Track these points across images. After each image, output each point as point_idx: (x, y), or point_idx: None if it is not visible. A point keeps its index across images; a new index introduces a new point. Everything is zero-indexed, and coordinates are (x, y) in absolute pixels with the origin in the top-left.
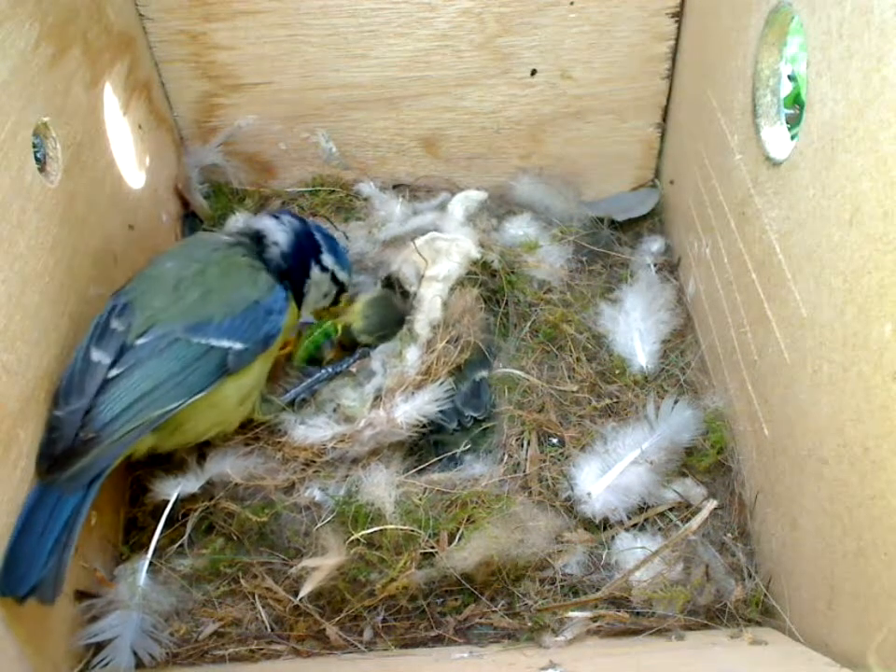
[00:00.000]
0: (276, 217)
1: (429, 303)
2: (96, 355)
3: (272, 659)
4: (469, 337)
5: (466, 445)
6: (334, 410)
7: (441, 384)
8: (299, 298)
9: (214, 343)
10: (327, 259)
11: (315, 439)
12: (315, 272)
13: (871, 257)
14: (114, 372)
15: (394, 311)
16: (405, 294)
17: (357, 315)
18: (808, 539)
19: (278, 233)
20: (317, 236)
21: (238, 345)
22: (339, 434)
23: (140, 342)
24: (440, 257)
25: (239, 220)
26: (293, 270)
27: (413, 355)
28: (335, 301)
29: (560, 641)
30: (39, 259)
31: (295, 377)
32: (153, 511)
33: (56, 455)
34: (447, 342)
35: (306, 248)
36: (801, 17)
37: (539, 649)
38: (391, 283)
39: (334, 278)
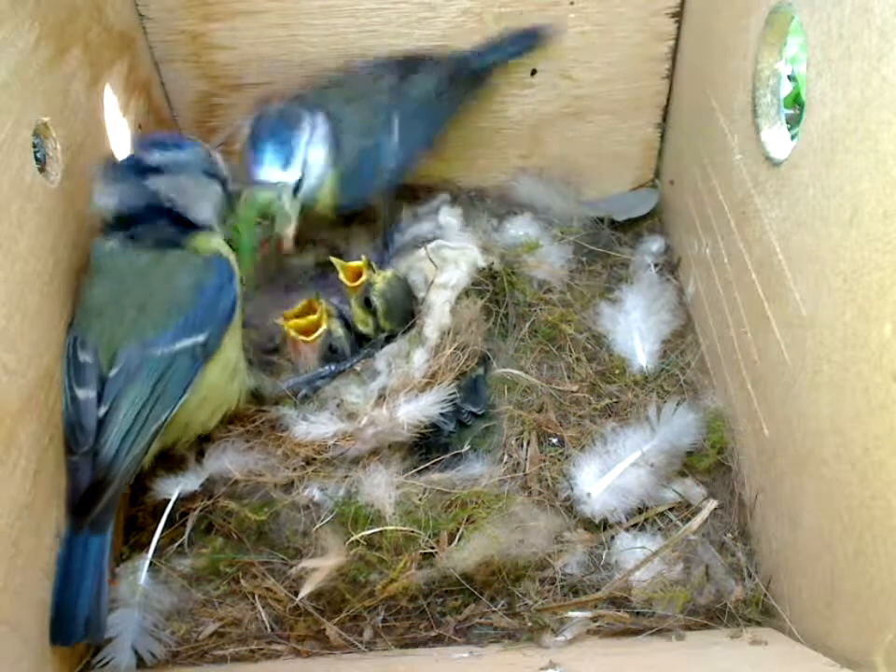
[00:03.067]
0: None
1: (439, 309)
2: (81, 393)
3: (272, 659)
4: (475, 346)
5: (466, 446)
6: (337, 406)
7: (446, 386)
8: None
9: (177, 346)
10: (152, 156)
11: (317, 435)
12: (155, 181)
13: (871, 257)
14: (102, 411)
15: (409, 298)
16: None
17: (381, 279)
18: (808, 539)
19: (106, 194)
20: (134, 154)
21: (201, 337)
22: (341, 431)
23: (112, 373)
24: (447, 265)
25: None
26: (148, 207)
27: (420, 357)
28: (227, 197)
29: (560, 641)
30: (39, 259)
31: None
32: (153, 510)
33: (77, 502)
34: (455, 348)
35: (132, 174)
36: (801, 17)
37: (539, 649)
38: None
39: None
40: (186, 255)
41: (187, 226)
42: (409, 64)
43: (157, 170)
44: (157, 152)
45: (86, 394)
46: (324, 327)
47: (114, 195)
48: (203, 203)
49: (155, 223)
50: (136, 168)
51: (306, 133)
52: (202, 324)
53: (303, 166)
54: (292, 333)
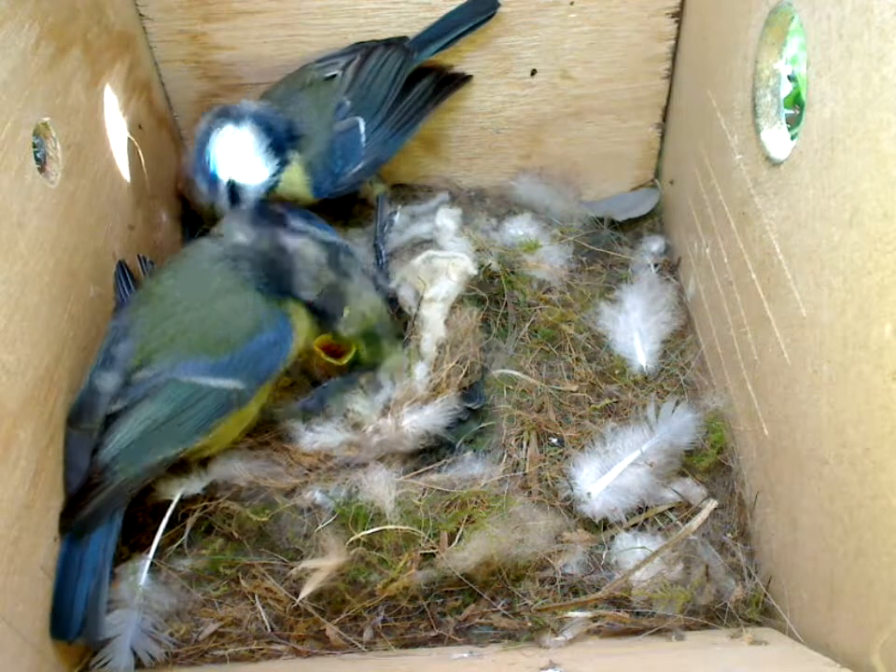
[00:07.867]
0: (237, 212)
1: (434, 323)
2: (100, 380)
3: (272, 659)
4: (474, 358)
5: (461, 442)
6: (343, 416)
7: (448, 400)
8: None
9: (212, 383)
10: (297, 223)
11: (323, 443)
12: (286, 238)
13: (871, 257)
14: (114, 408)
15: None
16: (400, 314)
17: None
18: (808, 539)
19: (237, 229)
20: (279, 207)
21: (240, 385)
22: (346, 440)
23: (137, 376)
24: (438, 276)
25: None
26: (268, 259)
27: (421, 371)
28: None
29: (560, 641)
30: (39, 259)
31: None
32: (153, 510)
33: (70, 497)
34: (456, 362)
35: (268, 219)
36: (801, 17)
37: (539, 649)
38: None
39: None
40: (260, 299)
41: (286, 292)
42: (365, 50)
43: (295, 233)
44: (301, 221)
45: (104, 383)
46: (354, 349)
47: (242, 234)
48: (309, 285)
49: (261, 279)
50: (278, 219)
51: (260, 130)
52: (244, 371)
53: (266, 164)
54: (323, 357)
